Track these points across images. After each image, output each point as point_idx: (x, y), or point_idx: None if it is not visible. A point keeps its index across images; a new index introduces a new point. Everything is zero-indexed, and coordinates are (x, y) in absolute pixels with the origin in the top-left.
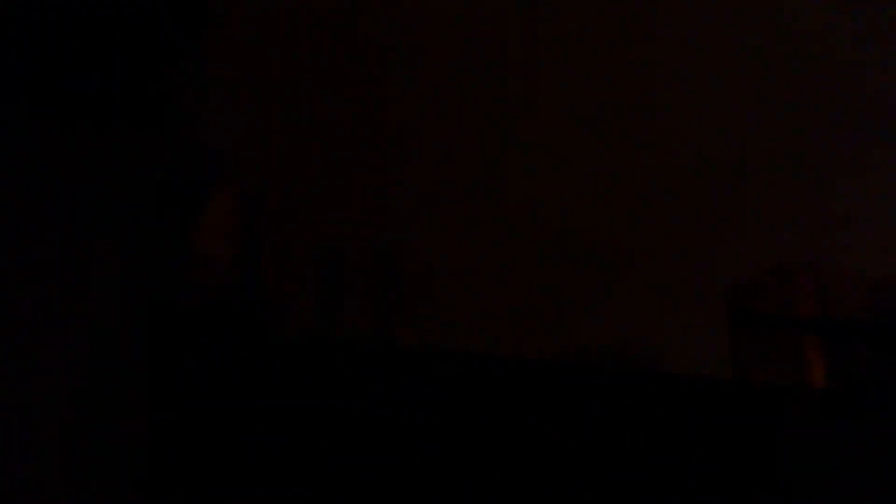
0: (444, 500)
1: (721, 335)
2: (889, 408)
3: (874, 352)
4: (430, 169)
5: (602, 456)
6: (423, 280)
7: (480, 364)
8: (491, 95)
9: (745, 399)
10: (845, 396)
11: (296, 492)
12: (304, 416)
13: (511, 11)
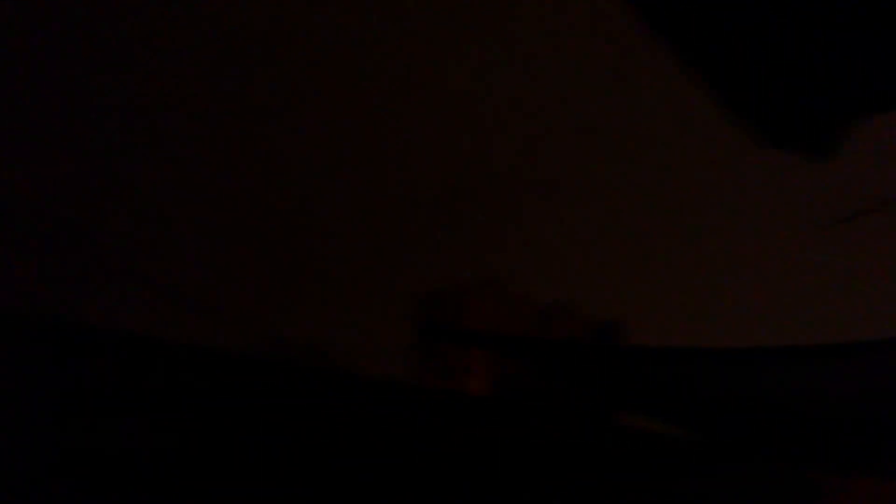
0: None
1: (405, 341)
2: (546, 419)
3: (537, 368)
4: None
5: (275, 448)
6: None
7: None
8: None
9: (417, 401)
10: (507, 405)
11: None
12: None
13: None
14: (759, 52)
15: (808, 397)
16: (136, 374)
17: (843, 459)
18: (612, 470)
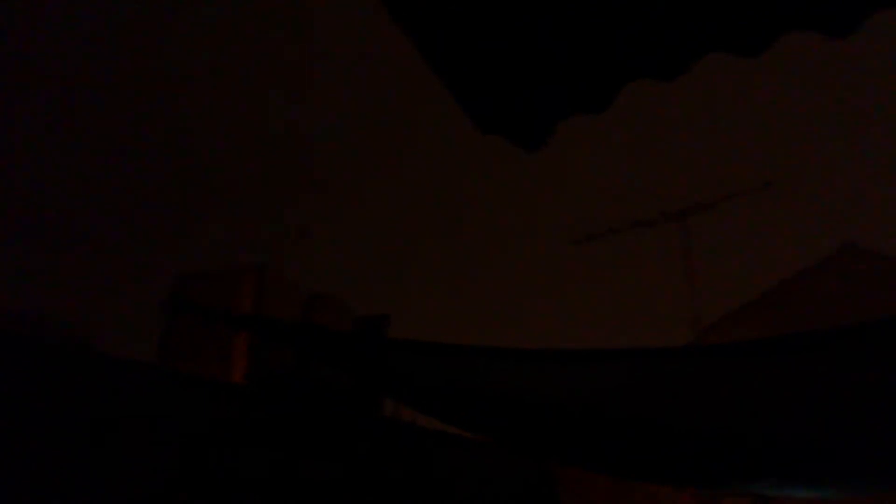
0: None
1: (157, 321)
2: (303, 407)
3: (298, 354)
4: None
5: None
6: None
7: None
8: None
9: (165, 384)
10: (262, 392)
11: None
12: None
13: None
14: (486, 47)
15: (553, 396)
16: None
17: (581, 456)
18: (366, 456)
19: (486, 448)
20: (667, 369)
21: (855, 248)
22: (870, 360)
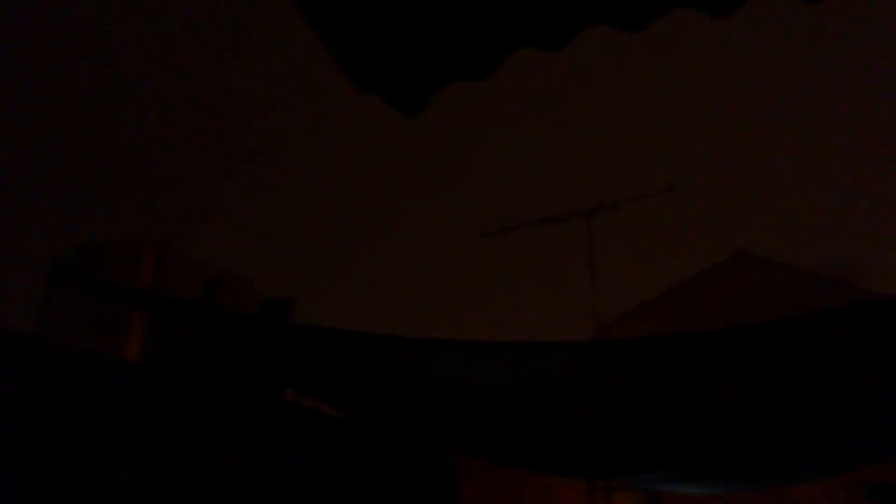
0: None
1: (53, 294)
2: (198, 389)
3: (193, 334)
4: None
5: None
6: None
7: None
8: None
9: (44, 357)
10: (156, 371)
11: None
12: None
13: None
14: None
15: (452, 384)
16: None
17: (471, 443)
18: (266, 441)
19: (386, 434)
20: (565, 362)
21: (748, 255)
22: (760, 360)
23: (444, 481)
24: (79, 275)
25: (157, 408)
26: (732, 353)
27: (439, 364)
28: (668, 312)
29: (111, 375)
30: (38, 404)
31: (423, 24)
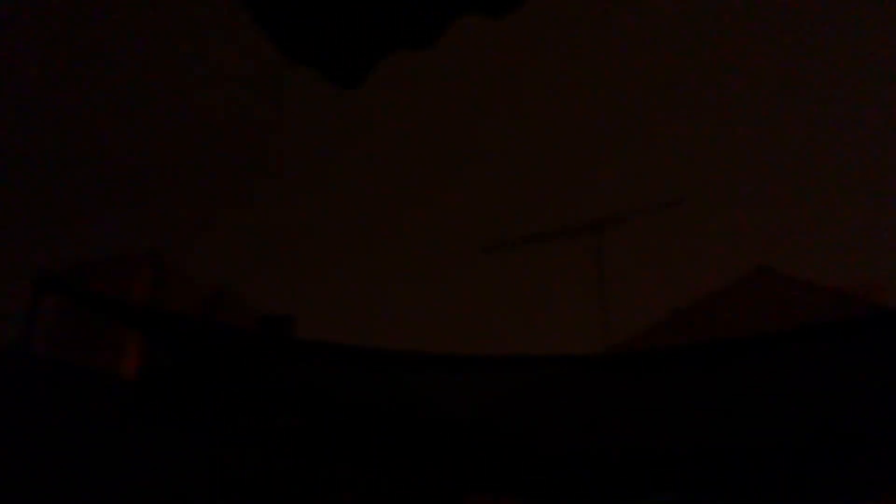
0: None
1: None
2: (193, 406)
3: (194, 351)
4: None
5: None
6: None
7: None
8: None
9: (35, 371)
10: (148, 387)
11: None
12: None
13: None
14: None
15: (457, 403)
16: None
17: (479, 476)
18: (265, 460)
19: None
20: (570, 378)
21: (769, 272)
22: (775, 375)
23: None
24: (65, 285)
25: (148, 425)
26: (748, 367)
27: (443, 380)
28: (683, 332)
29: (100, 391)
30: (19, 419)
31: None
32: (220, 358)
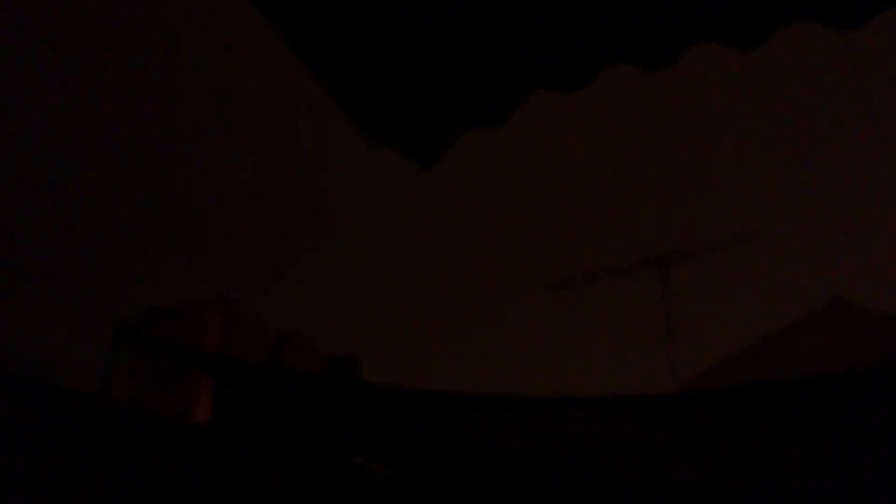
0: None
1: (121, 354)
2: (262, 452)
3: (262, 395)
4: None
5: None
6: None
7: None
8: None
9: (108, 418)
10: (220, 432)
11: None
12: None
13: None
14: (374, 57)
15: (531, 444)
16: None
17: None
18: None
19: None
20: (650, 418)
21: (843, 303)
22: (858, 409)
23: None
24: (145, 337)
25: (216, 470)
26: (831, 402)
27: (516, 421)
28: (756, 367)
29: (172, 437)
30: (100, 463)
31: (432, 74)
32: (291, 401)
